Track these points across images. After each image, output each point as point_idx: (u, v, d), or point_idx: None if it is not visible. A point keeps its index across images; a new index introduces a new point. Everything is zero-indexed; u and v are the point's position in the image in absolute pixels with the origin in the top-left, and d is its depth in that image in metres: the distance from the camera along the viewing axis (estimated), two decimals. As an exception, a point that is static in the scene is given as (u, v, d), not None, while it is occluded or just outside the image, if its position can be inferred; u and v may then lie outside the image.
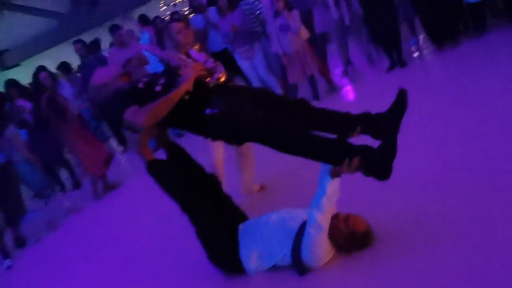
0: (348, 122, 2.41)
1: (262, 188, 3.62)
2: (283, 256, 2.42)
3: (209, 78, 2.73)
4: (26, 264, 4.55)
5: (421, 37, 6.28)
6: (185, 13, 8.87)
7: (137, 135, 2.65)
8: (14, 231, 5.02)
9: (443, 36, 5.40)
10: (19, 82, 6.20)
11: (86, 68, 6.65)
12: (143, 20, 7.18)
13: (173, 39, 3.06)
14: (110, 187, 5.62)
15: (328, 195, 2.26)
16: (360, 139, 2.35)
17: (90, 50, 7.02)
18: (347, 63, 6.37)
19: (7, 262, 4.66)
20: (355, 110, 2.45)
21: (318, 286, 2.27)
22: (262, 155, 3.20)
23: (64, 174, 6.57)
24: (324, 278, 2.30)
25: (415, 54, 5.98)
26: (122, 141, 7.53)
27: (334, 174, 2.25)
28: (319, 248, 2.31)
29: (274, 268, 2.47)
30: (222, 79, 2.88)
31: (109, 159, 5.51)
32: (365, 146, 2.25)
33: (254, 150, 3.41)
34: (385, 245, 2.33)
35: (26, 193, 6.24)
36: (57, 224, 5.22)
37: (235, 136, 2.37)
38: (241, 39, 5.80)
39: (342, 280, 2.26)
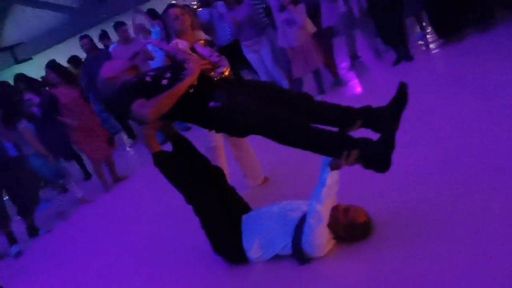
0: (349, 116, 2.44)
1: (266, 180, 3.69)
2: (284, 246, 2.48)
3: (213, 72, 2.78)
4: (38, 252, 4.68)
5: (428, 30, 6.26)
6: (194, 7, 8.91)
7: (143, 127, 2.72)
8: (27, 221, 5.16)
9: (450, 29, 5.38)
10: (27, 76, 6.32)
11: (90, 62, 6.76)
12: (152, 14, 7.24)
13: (171, 26, 3.13)
14: (119, 179, 5.73)
15: (328, 187, 2.31)
16: (361, 132, 2.40)
17: (95, 47, 7.14)
18: (354, 57, 6.39)
19: (15, 248, 4.79)
20: (360, 104, 2.48)
21: (318, 275, 2.32)
22: (265, 148, 3.26)
23: (75, 167, 6.69)
24: (324, 267, 2.35)
25: (422, 48, 5.97)
26: (131, 134, 7.64)
27: (334, 167, 2.30)
28: (319, 238, 2.37)
29: (276, 257, 2.54)
30: (226, 73, 2.94)
31: (110, 139, 5.61)
32: (365, 139, 2.29)
33: (258, 144, 3.46)
34: (384, 236, 2.38)
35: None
36: (68, 214, 5.34)
37: (237, 128, 2.43)
38: (248, 32, 5.84)
39: (341, 270, 2.31)
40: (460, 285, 1.90)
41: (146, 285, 2.98)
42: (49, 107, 5.49)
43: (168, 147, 2.83)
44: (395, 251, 2.24)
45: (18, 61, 16.06)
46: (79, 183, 6.22)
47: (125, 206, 4.88)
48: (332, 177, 2.31)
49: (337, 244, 2.45)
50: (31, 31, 15.38)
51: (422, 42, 6.13)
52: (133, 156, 7.15)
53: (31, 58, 15.81)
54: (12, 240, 4.90)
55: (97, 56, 6.76)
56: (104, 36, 7.61)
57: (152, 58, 3.01)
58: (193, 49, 2.87)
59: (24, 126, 5.13)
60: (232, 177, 3.29)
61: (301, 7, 5.30)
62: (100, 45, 7.49)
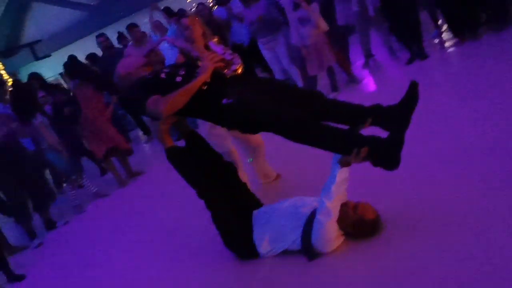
0: (359, 114, 2.46)
1: (278, 177, 3.73)
2: (293, 241, 2.52)
3: (226, 70, 2.83)
4: (55, 244, 4.81)
5: (443, 29, 6.22)
6: (210, 5, 8.97)
7: (158, 123, 2.79)
8: (43, 215, 5.28)
9: (465, 28, 5.34)
10: (41, 75, 6.57)
11: (106, 60, 6.89)
12: (169, 12, 7.33)
13: (183, 35, 3.18)
14: (134, 174, 5.83)
15: (338, 183, 2.34)
16: (371, 130, 2.41)
17: (111, 45, 7.28)
18: (369, 55, 6.38)
19: (36, 240, 4.94)
20: (373, 102, 2.49)
21: (327, 271, 2.35)
22: (276, 146, 3.29)
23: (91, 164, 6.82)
24: (333, 263, 2.38)
25: (437, 47, 5.93)
26: (146, 130, 7.75)
27: (344, 164, 2.33)
28: (328, 233, 2.40)
29: (285, 252, 2.57)
30: (239, 71, 2.99)
31: (113, 150, 5.62)
32: (374, 137, 2.31)
33: (270, 141, 3.49)
34: (393, 233, 2.39)
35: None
36: (83, 208, 5.46)
37: (249, 125, 2.46)
38: (265, 30, 5.87)
39: (350, 266, 2.33)
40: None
41: (158, 277, 3.04)
42: (60, 108, 5.71)
43: (182, 144, 2.88)
44: (404, 248, 2.25)
45: (37, 58, 16.33)
46: (96, 179, 6.35)
47: (140, 200, 4.96)
48: (342, 174, 2.34)
49: (346, 241, 2.47)
50: (50, 28, 15.66)
51: (437, 41, 6.08)
52: (148, 152, 7.25)
53: (49, 55, 16.06)
54: (32, 235, 5.04)
55: (113, 54, 6.88)
56: (121, 37, 7.76)
57: (163, 59, 3.08)
58: (207, 47, 2.93)
59: (40, 121, 5.26)
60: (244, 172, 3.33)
61: (315, 6, 5.33)
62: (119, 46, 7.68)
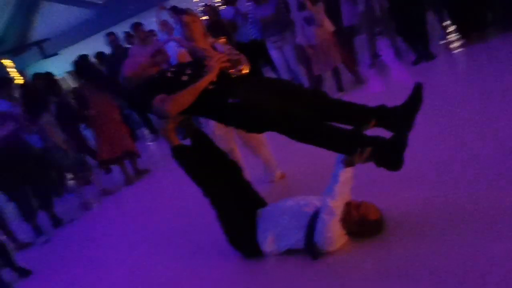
0: (363, 114, 2.48)
1: (282, 176, 3.76)
2: (297, 240, 2.53)
3: (232, 70, 2.85)
4: (61, 241, 4.86)
5: (450, 30, 6.20)
6: (217, 4, 9.00)
7: (164, 122, 2.82)
8: (49, 213, 5.34)
9: (471, 29, 5.33)
10: (45, 75, 6.64)
11: (113, 58, 6.94)
12: (176, 11, 7.35)
13: (182, 33, 3.21)
14: (141, 173, 5.87)
15: (341, 183, 2.36)
16: (375, 131, 2.43)
17: (119, 44, 7.33)
18: (375, 55, 6.38)
19: (42, 237, 5.01)
20: (378, 103, 2.50)
21: (330, 269, 2.37)
22: (281, 145, 3.31)
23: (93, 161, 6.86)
24: (336, 262, 2.39)
25: (444, 48, 5.91)
26: (152, 129, 7.80)
27: (347, 164, 2.35)
28: (331, 233, 2.41)
29: (289, 251, 2.59)
30: (245, 71, 3.01)
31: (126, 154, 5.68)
32: (378, 137, 2.33)
33: (275, 141, 3.51)
34: (396, 233, 2.40)
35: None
36: (91, 205, 5.51)
37: (254, 124, 2.49)
38: (274, 29, 5.89)
39: (353, 265, 2.34)
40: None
41: (163, 275, 3.07)
42: (65, 108, 5.77)
43: (188, 143, 2.91)
44: (408, 248, 2.26)
45: (45, 56, 16.47)
46: (103, 176, 6.40)
47: (145, 199, 5.00)
48: (345, 174, 2.36)
49: (349, 240, 2.49)
50: (58, 27, 15.80)
51: (444, 42, 6.07)
52: (155, 150, 7.30)
53: (57, 54, 16.19)
54: (39, 231, 5.10)
55: (121, 53, 6.93)
56: (129, 36, 7.81)
57: (168, 59, 3.10)
58: (213, 47, 2.95)
59: (46, 119, 5.32)
60: (249, 172, 3.36)
61: (320, 6, 5.34)
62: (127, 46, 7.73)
